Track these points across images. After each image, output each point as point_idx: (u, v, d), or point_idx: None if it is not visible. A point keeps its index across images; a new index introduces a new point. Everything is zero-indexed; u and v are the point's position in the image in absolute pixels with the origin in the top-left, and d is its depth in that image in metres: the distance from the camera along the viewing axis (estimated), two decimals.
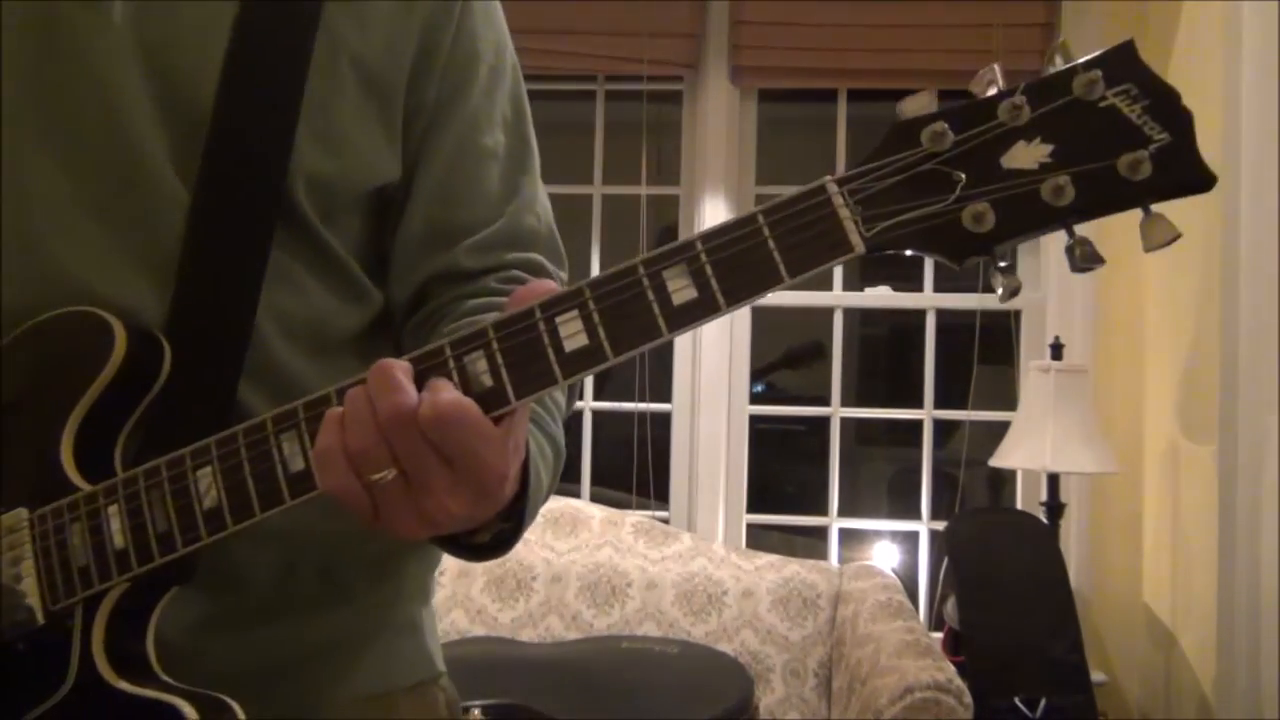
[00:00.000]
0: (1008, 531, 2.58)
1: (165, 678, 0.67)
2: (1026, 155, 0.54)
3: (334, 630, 0.79)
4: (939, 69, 2.91)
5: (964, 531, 2.59)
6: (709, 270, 0.56)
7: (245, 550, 0.71)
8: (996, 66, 0.55)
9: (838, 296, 3.05)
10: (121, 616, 0.67)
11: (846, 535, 3.09)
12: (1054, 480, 2.56)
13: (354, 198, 0.78)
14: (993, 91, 0.55)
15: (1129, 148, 0.53)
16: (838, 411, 3.06)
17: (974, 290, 2.92)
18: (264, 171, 0.72)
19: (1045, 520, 2.57)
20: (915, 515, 3.04)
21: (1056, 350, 2.59)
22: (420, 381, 0.58)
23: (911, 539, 3.08)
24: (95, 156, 0.71)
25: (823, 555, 3.02)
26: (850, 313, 3.10)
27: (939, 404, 3.02)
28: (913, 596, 2.75)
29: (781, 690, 2.53)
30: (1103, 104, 0.54)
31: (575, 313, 0.58)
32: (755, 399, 3.04)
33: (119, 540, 0.65)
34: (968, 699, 1.97)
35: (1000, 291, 0.57)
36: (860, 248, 0.55)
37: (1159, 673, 2.61)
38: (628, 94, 3.01)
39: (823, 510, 3.06)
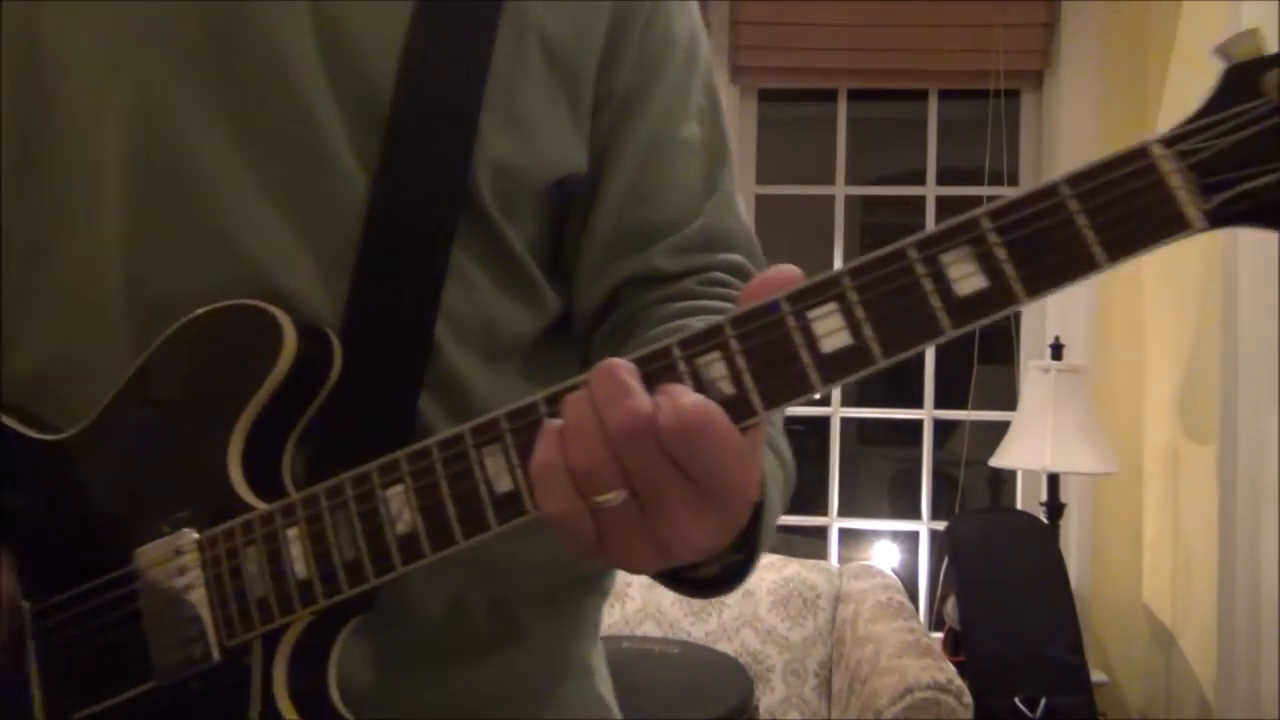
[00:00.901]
0: (1008, 531, 2.59)
1: (347, 715, 0.60)
2: None
3: (508, 676, 0.71)
4: (939, 69, 2.92)
5: (964, 531, 2.59)
6: (1001, 254, 0.47)
7: (420, 579, 0.63)
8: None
9: None
10: (304, 652, 0.59)
11: (846, 535, 3.09)
12: (1054, 480, 2.56)
13: (536, 190, 0.70)
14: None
15: None
16: (838, 411, 3.06)
17: None
18: (447, 156, 0.65)
19: (1045, 520, 2.57)
20: (915, 515, 3.04)
21: (1056, 350, 2.59)
22: (648, 387, 0.49)
23: (911, 539, 3.08)
24: (274, 135, 0.64)
25: (823, 555, 3.02)
26: None
27: (939, 404, 3.02)
28: (913, 596, 2.75)
29: (781, 690, 2.53)
30: None
31: (833, 305, 0.48)
32: None
33: (301, 569, 0.57)
34: (968, 699, 1.97)
35: None
36: (1199, 223, 0.45)
37: (1159, 673, 2.61)
38: None
39: (823, 510, 3.06)
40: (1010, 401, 2.83)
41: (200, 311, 0.62)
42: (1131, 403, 2.77)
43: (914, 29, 2.84)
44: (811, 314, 0.49)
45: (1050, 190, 0.46)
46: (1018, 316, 2.93)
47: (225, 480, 0.60)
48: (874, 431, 3.68)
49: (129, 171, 0.63)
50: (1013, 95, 2.96)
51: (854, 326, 0.48)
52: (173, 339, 0.63)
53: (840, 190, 3.10)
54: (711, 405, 0.48)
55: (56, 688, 0.63)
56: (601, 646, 0.80)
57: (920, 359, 3.02)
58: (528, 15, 0.68)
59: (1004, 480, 3.18)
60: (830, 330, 0.48)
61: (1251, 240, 2.15)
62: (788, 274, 0.50)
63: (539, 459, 0.50)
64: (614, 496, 0.48)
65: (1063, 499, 2.57)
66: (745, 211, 0.78)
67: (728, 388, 0.49)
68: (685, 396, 0.48)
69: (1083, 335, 2.80)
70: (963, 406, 2.98)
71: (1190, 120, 0.46)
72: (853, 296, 0.48)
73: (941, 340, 0.47)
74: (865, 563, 2.84)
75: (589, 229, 0.72)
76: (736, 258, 0.74)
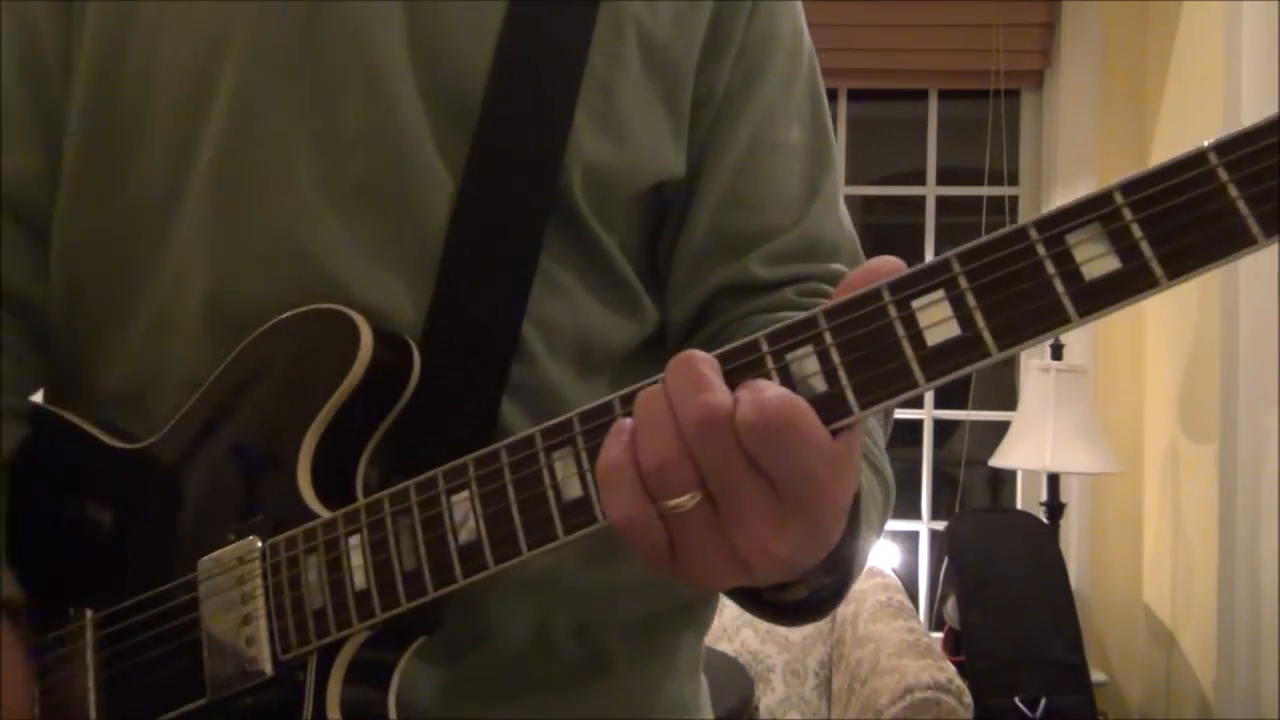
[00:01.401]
0: (1008, 531, 2.59)
1: None
2: None
3: (592, 712, 0.66)
4: (939, 69, 2.92)
5: (964, 531, 2.59)
6: (1136, 231, 0.41)
7: (500, 603, 0.61)
8: None
9: None
10: (361, 670, 0.56)
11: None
12: (1054, 480, 2.56)
13: (634, 194, 0.67)
14: None
15: None
16: None
17: None
18: (539, 157, 0.62)
19: (1045, 520, 2.57)
20: (915, 515, 3.04)
21: (1056, 350, 2.59)
22: (730, 384, 0.45)
23: (911, 539, 3.08)
24: (355, 134, 0.61)
25: None
26: None
27: (939, 404, 3.02)
28: (913, 596, 2.75)
29: (781, 690, 2.53)
30: None
31: (940, 293, 0.43)
32: None
33: (360, 579, 0.54)
34: (968, 699, 1.97)
35: None
36: (1261, 240, 0.40)
37: (1159, 673, 2.61)
38: None
39: None
40: (1010, 401, 2.83)
41: (279, 318, 0.60)
42: (1131, 403, 2.77)
43: (914, 29, 2.84)
44: (917, 303, 0.44)
45: (1199, 157, 0.41)
46: None
47: (294, 488, 0.58)
48: None
49: (215, 180, 0.62)
50: (1013, 95, 2.96)
51: (963, 316, 0.43)
52: (250, 346, 0.61)
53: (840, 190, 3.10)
54: (798, 400, 0.43)
55: (113, 702, 0.61)
56: (705, 684, 0.74)
57: None
58: (626, 13, 0.65)
59: (1004, 480, 3.18)
60: (937, 320, 0.43)
61: None
62: (891, 264, 0.45)
63: (605, 458, 0.45)
64: (686, 500, 0.44)
65: (1063, 499, 2.57)
66: (849, 220, 0.74)
67: (820, 384, 0.44)
68: (768, 390, 0.43)
69: (1083, 335, 2.80)
70: (963, 406, 2.98)
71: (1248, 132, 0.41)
72: (962, 283, 0.43)
73: (1064, 330, 0.42)
74: None
75: (684, 234, 0.69)
76: (838, 267, 0.69)
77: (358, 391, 0.58)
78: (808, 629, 2.57)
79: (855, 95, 3.08)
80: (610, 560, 0.62)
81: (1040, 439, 2.47)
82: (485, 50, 0.62)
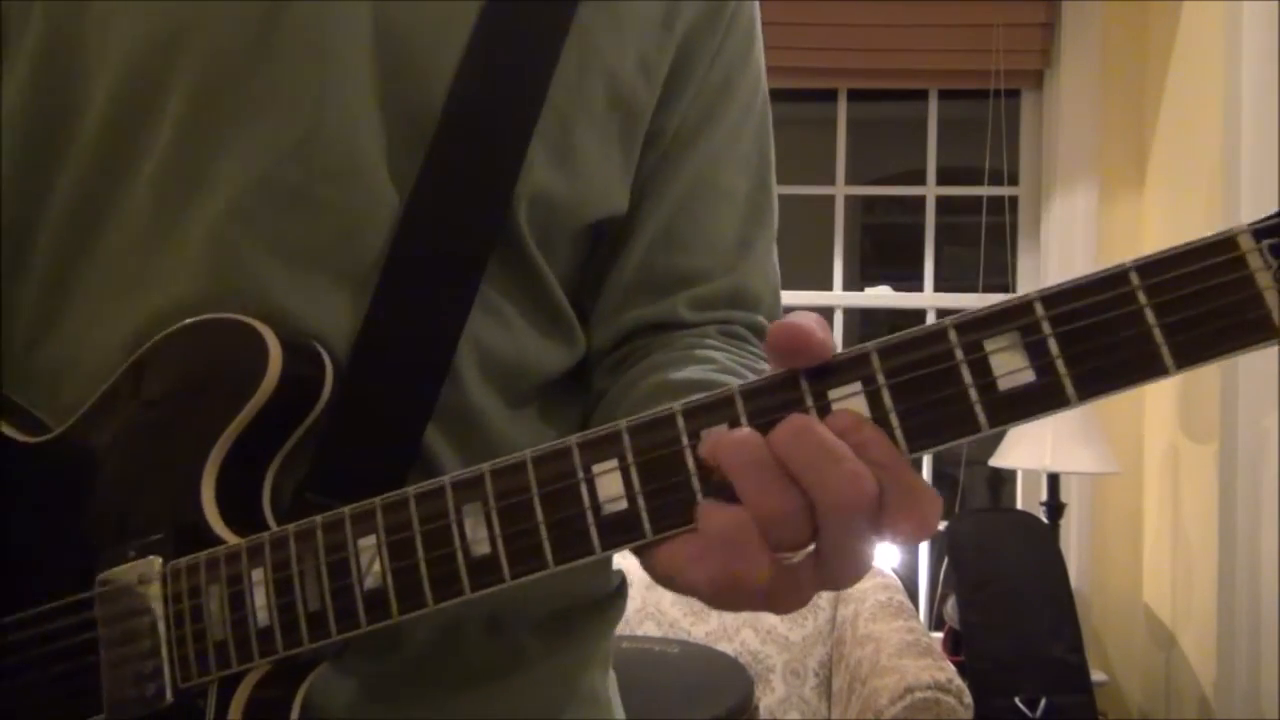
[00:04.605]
0: (1008, 531, 2.59)
1: None
2: None
3: (507, 706, 0.66)
4: (939, 69, 2.92)
5: (964, 531, 2.59)
6: (1053, 346, 0.41)
7: None
8: None
9: (838, 297, 3.05)
10: (263, 698, 0.56)
11: None
12: (1054, 480, 2.56)
13: (577, 227, 0.67)
14: None
15: None
16: None
17: (974, 290, 2.92)
18: (490, 182, 0.62)
19: (1045, 520, 2.57)
20: None
21: None
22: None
23: None
24: (300, 140, 0.60)
25: None
26: (850, 313, 3.10)
27: None
28: (913, 596, 2.75)
29: (781, 690, 2.53)
30: None
31: (857, 386, 0.44)
32: None
33: (263, 617, 0.54)
34: (968, 699, 1.97)
35: None
36: (1172, 369, 0.40)
37: (1159, 673, 2.61)
38: None
39: None
40: None
41: (185, 323, 0.59)
42: (1131, 403, 2.77)
43: (914, 29, 2.84)
44: (834, 393, 0.45)
45: (1120, 278, 0.41)
46: None
47: (198, 507, 0.57)
48: None
49: (155, 183, 0.61)
50: (1013, 95, 2.96)
51: (880, 417, 0.44)
52: (156, 348, 0.60)
53: (840, 190, 3.10)
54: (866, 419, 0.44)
55: (4, 716, 0.60)
56: (614, 677, 0.75)
57: None
58: (593, 49, 0.65)
59: (1004, 480, 3.18)
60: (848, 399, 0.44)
61: None
62: (807, 337, 0.44)
63: (718, 521, 0.45)
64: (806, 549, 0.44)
65: (1063, 499, 2.57)
66: (777, 278, 0.74)
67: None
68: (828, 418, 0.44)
69: None
70: None
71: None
72: (880, 379, 0.44)
73: (976, 438, 0.43)
74: None
75: (615, 266, 0.69)
76: (759, 319, 0.71)
77: (265, 409, 0.57)
78: (808, 629, 2.57)
79: (855, 95, 3.08)
80: None
81: (1040, 439, 2.48)
82: (448, 69, 0.61)
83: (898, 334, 0.44)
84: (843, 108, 3.07)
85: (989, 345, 0.42)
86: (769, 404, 0.45)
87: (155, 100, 0.61)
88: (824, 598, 2.61)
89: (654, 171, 0.69)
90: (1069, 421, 2.47)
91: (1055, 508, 2.56)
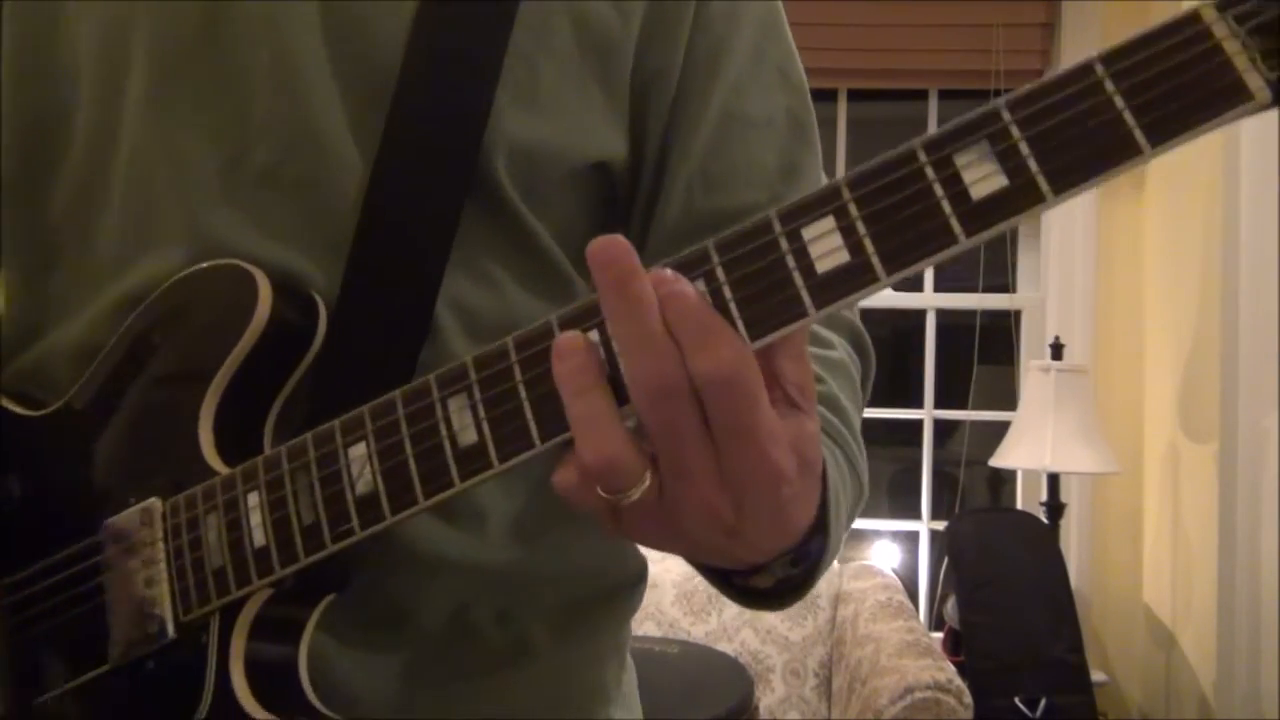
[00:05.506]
0: (1008, 531, 2.59)
1: (321, 708, 0.56)
2: None
3: (514, 698, 0.65)
4: (939, 69, 2.92)
5: (964, 531, 2.59)
6: (1024, 148, 0.41)
7: (418, 586, 0.60)
8: None
9: None
10: (266, 631, 0.55)
11: (846, 535, 3.08)
12: (1054, 480, 2.56)
13: (566, 173, 0.64)
14: None
15: None
16: None
17: (974, 290, 2.92)
18: (455, 135, 0.60)
19: (1045, 520, 2.57)
20: (915, 515, 3.04)
21: (1056, 350, 2.59)
22: None
23: (911, 539, 3.08)
24: (263, 120, 0.60)
25: None
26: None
27: (939, 404, 3.02)
28: (913, 596, 2.75)
29: (781, 690, 2.53)
30: None
31: (830, 221, 0.44)
32: None
33: (259, 537, 0.53)
34: (968, 699, 1.97)
35: None
36: (1263, 94, 0.38)
37: (1159, 673, 2.61)
38: None
39: None
40: (1010, 401, 2.83)
41: (176, 277, 0.59)
42: (1131, 403, 2.77)
43: (914, 29, 2.84)
44: (808, 232, 0.44)
45: (1085, 70, 0.41)
46: (1018, 316, 2.93)
47: (195, 446, 0.57)
48: (874, 431, 3.67)
49: (130, 170, 0.62)
50: None
51: (854, 244, 0.43)
52: (149, 307, 0.60)
53: None
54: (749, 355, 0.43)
55: (19, 670, 0.61)
56: (632, 673, 0.73)
57: (920, 359, 3.02)
58: None
59: (1004, 480, 3.18)
60: (828, 250, 0.43)
61: (1252, 240, 2.15)
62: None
63: (581, 404, 0.44)
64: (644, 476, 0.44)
65: (1063, 499, 2.57)
66: None
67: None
68: (726, 344, 0.43)
69: (1082, 335, 2.80)
70: (963, 406, 2.98)
71: None
72: (854, 210, 0.43)
73: (955, 250, 0.42)
74: (865, 562, 2.84)
75: (656, 219, 0.66)
76: None
77: (259, 347, 0.57)
78: (808, 629, 2.57)
79: (855, 95, 3.08)
80: (532, 545, 0.61)
81: (1040, 439, 2.47)
82: (401, 29, 0.60)
83: (866, 163, 0.43)
84: (843, 108, 3.07)
85: (959, 159, 0.42)
86: (744, 253, 0.45)
87: (119, 83, 0.62)
88: (824, 598, 2.61)
89: (676, 112, 0.66)
90: (1069, 422, 2.47)
91: (1055, 508, 2.56)
